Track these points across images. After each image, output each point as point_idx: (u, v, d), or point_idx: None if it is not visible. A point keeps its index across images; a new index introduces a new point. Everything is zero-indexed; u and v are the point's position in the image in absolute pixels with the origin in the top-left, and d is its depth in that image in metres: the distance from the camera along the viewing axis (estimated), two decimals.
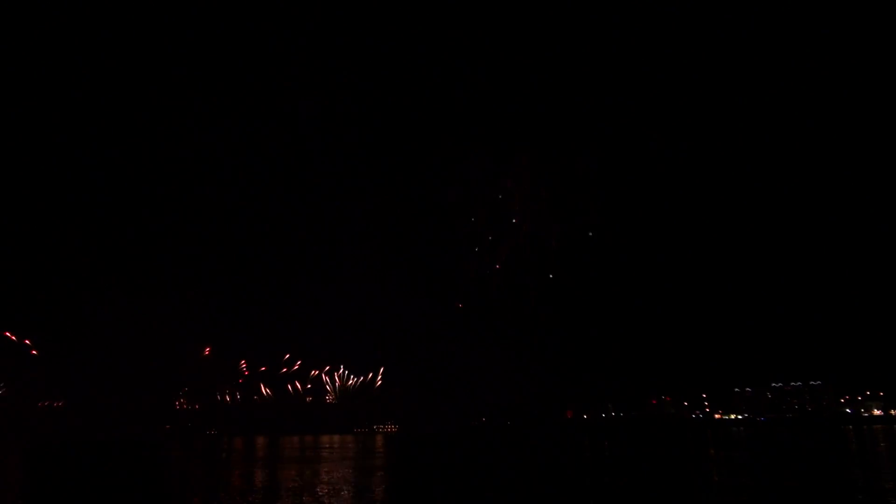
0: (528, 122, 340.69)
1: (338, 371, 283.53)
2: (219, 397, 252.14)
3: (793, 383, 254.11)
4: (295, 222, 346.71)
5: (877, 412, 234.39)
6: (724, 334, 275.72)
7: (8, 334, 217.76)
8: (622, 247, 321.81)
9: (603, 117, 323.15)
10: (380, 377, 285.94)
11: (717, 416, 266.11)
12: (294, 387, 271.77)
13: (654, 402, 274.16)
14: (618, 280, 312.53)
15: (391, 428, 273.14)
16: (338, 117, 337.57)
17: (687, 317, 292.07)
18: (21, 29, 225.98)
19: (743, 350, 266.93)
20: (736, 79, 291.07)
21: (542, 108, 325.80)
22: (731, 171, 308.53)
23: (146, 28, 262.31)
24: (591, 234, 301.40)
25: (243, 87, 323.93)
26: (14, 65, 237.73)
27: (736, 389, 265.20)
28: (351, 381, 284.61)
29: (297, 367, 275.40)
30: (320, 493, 32.30)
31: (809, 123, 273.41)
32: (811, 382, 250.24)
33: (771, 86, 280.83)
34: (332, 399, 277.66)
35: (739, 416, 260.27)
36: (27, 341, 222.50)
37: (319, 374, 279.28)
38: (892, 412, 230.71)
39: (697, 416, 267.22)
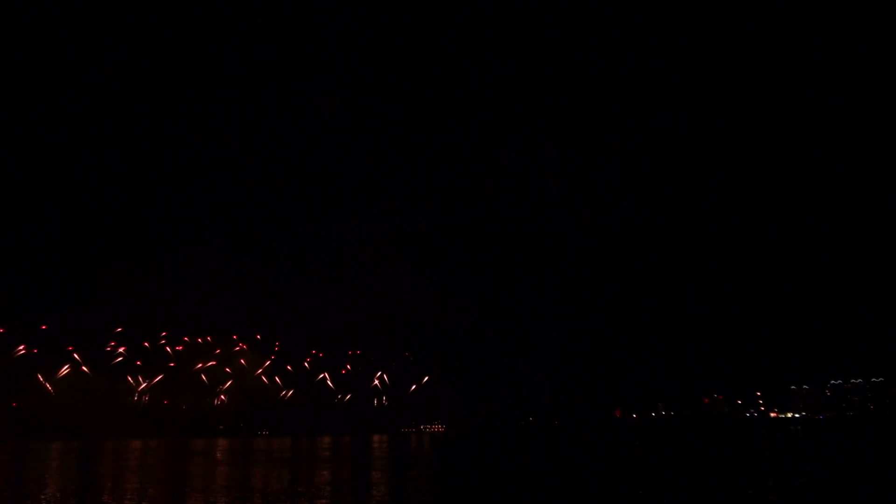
0: (556, 110, 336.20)
1: (385, 371, 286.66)
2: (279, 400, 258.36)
3: (853, 380, 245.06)
4: (333, 221, 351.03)
5: None
6: (780, 330, 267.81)
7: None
8: (669, 239, 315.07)
9: (634, 103, 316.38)
10: (434, 372, 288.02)
11: (772, 414, 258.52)
12: (341, 387, 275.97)
13: (707, 400, 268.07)
14: (666, 274, 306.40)
15: (438, 427, 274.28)
16: (367, 113, 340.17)
17: (739, 313, 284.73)
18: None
19: (799, 346, 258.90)
20: (771, 67, 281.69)
21: (572, 95, 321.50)
22: (780, 160, 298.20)
23: (177, 28, 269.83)
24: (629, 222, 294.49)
25: (275, 81, 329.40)
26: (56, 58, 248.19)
27: (792, 387, 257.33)
28: (399, 381, 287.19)
29: (343, 369, 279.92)
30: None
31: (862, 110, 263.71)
32: (873, 379, 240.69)
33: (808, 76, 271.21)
34: (380, 399, 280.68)
35: (796, 415, 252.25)
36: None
37: (366, 375, 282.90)
38: None
39: (752, 414, 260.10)
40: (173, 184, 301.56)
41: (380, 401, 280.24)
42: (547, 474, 41.65)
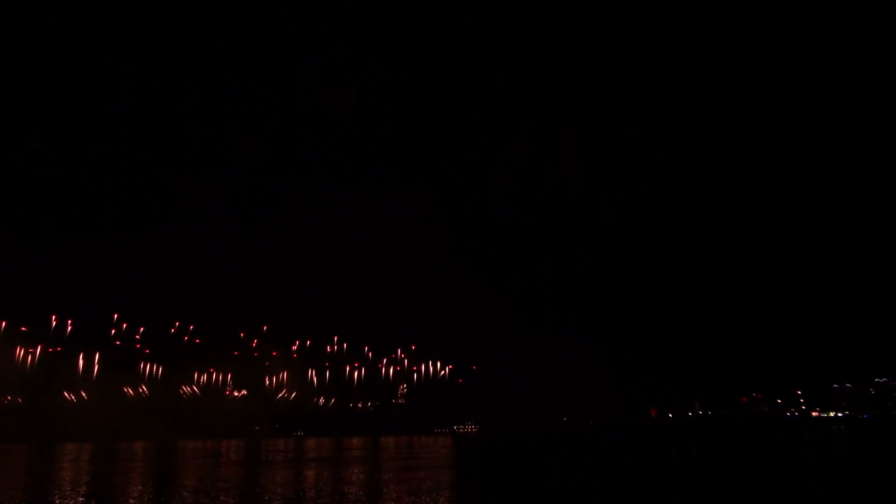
0: (574, 99, 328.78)
1: (417, 372, 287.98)
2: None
3: None
4: (354, 218, 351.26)
5: None
6: (821, 327, 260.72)
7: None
8: (706, 231, 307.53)
9: (654, 88, 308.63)
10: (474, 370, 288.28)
11: (813, 413, 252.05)
12: (373, 388, 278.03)
13: (745, 399, 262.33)
14: (702, 269, 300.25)
15: (471, 428, 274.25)
16: (381, 104, 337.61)
17: (779, 308, 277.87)
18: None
19: (842, 343, 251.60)
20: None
21: (589, 82, 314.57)
22: (817, 145, 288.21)
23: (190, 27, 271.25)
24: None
25: (293, 83, 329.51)
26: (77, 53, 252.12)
27: (835, 385, 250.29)
28: (431, 382, 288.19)
29: (376, 369, 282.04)
30: None
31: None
32: None
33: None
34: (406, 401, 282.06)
35: (839, 414, 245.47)
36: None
37: (399, 376, 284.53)
38: None
39: (792, 413, 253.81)
40: (187, 181, 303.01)
41: (412, 402, 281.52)
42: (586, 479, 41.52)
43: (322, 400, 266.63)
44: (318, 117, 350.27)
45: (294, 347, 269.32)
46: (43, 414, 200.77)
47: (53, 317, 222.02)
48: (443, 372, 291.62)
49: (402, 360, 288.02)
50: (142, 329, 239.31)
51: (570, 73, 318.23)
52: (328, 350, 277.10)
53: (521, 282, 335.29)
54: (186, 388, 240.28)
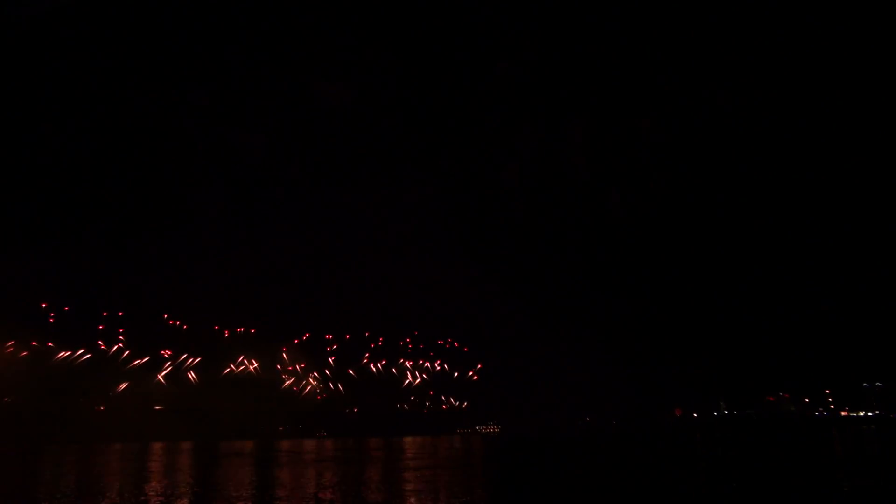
0: (581, 90, 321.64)
1: (438, 371, 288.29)
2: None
3: None
4: (358, 217, 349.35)
5: None
6: (850, 323, 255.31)
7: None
8: (727, 225, 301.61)
9: (664, 79, 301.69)
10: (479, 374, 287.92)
11: (842, 413, 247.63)
12: (394, 387, 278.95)
13: (772, 398, 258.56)
14: (726, 264, 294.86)
15: (493, 428, 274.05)
16: (383, 97, 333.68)
17: (806, 306, 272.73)
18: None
19: (871, 341, 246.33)
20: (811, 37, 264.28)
21: (597, 73, 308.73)
22: (840, 137, 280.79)
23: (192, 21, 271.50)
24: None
25: (292, 79, 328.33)
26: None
27: (864, 384, 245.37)
28: (452, 381, 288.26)
29: (396, 367, 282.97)
30: None
31: None
32: None
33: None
34: (433, 400, 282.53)
35: (869, 413, 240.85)
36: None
37: (420, 375, 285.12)
38: None
39: (821, 413, 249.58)
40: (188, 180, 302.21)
41: (433, 401, 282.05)
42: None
43: (342, 400, 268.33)
44: (320, 114, 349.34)
45: (297, 341, 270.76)
46: (70, 416, 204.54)
47: (72, 310, 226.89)
48: (465, 371, 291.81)
49: (423, 363, 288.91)
50: (170, 321, 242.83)
51: (577, 63, 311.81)
52: (344, 349, 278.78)
53: (537, 279, 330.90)
54: (209, 388, 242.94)
